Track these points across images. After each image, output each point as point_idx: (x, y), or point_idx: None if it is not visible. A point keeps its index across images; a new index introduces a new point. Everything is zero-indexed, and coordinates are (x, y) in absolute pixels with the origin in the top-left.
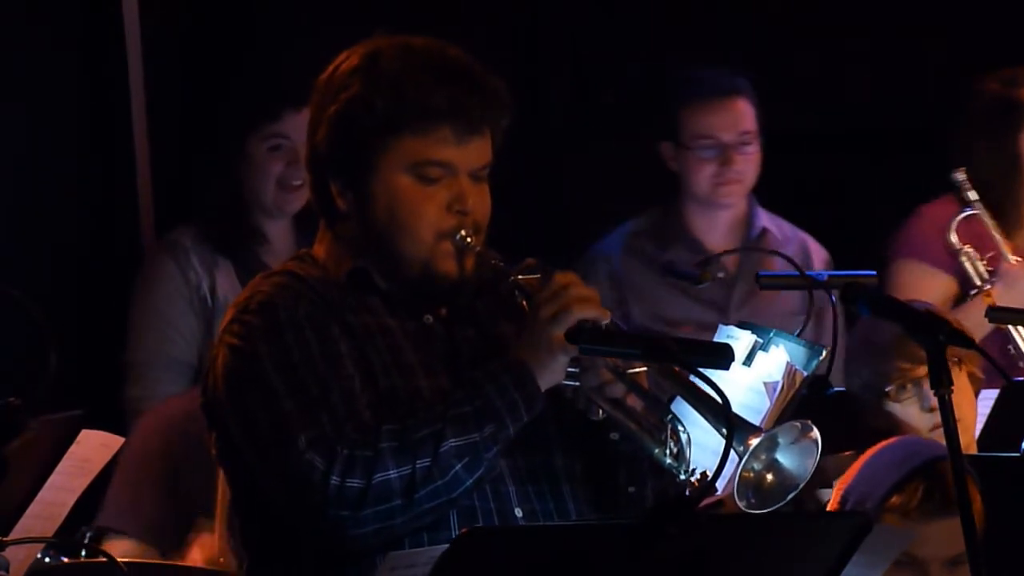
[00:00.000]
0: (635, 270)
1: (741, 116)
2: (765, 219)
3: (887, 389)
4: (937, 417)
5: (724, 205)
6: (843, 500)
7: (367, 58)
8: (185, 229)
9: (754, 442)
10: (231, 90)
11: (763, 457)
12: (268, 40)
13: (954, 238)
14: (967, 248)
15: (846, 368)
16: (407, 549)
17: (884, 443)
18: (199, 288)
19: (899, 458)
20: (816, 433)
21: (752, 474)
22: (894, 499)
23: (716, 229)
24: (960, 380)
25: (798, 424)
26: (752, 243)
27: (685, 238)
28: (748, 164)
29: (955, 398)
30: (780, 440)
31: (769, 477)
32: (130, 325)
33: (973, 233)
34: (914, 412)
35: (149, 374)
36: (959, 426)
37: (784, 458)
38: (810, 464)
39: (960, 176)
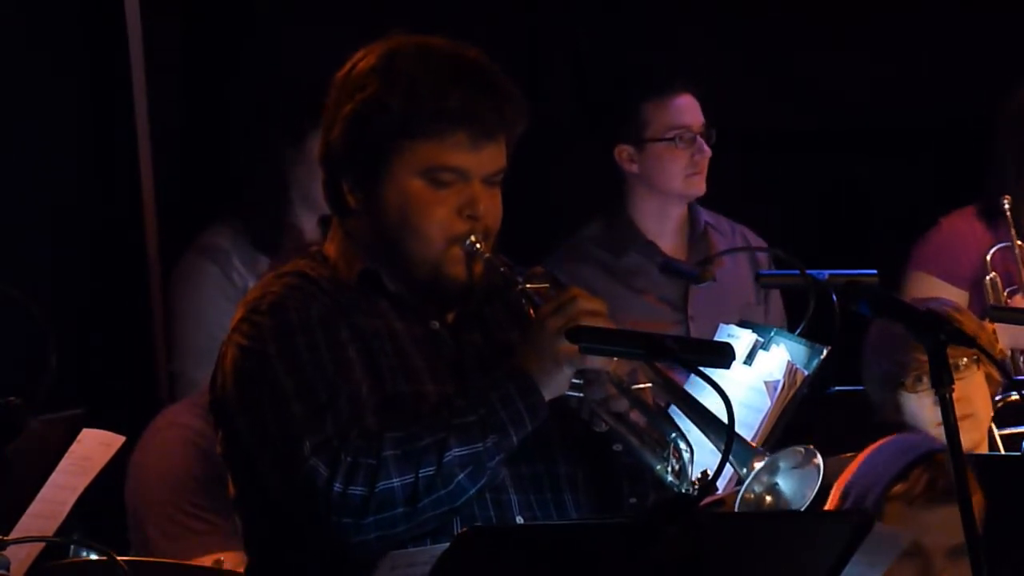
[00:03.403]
0: (583, 277)
1: (699, 109)
2: (705, 215)
3: (903, 380)
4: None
5: (693, 196)
6: (844, 495)
7: (384, 58)
8: (219, 230)
9: (758, 465)
10: (286, 88)
11: (764, 479)
12: (270, 40)
13: (988, 264)
14: (995, 275)
15: (864, 359)
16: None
17: (882, 440)
18: (244, 289)
19: (898, 450)
20: (819, 459)
21: (752, 496)
22: (897, 488)
23: (665, 230)
24: (977, 378)
25: (802, 449)
26: (698, 240)
27: (640, 242)
28: (708, 156)
29: (970, 395)
30: (782, 464)
31: (768, 499)
32: (176, 333)
33: (1002, 261)
34: (928, 403)
35: (201, 378)
36: (972, 422)
37: (784, 483)
38: (809, 492)
39: (1005, 204)
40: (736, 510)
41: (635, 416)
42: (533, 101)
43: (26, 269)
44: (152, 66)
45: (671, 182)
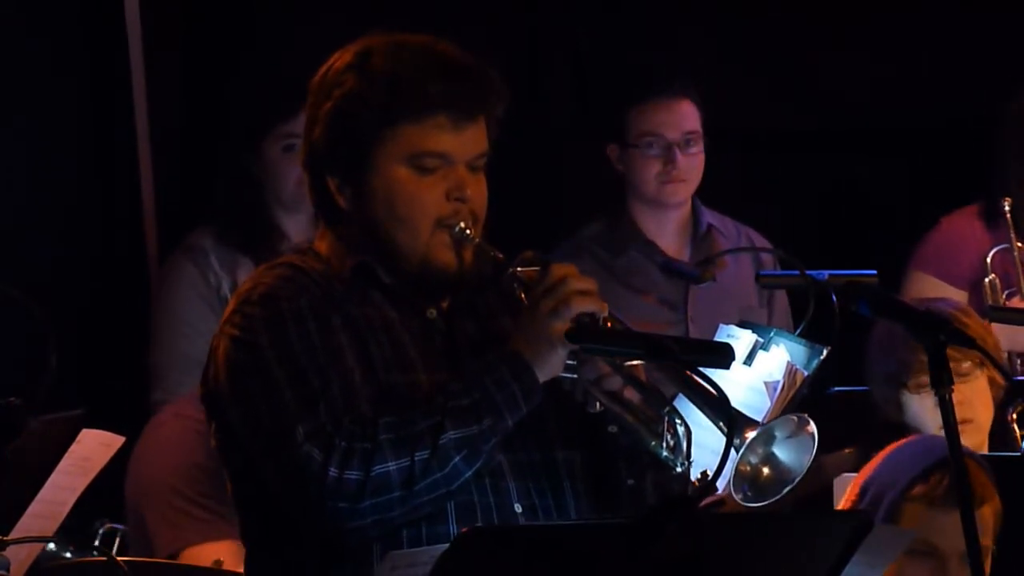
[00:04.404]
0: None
1: (685, 116)
2: (709, 216)
3: (906, 381)
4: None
5: (670, 204)
6: (862, 492)
7: (360, 55)
8: (204, 230)
9: (751, 435)
10: (241, 91)
11: (760, 451)
12: (270, 41)
13: (988, 265)
14: (994, 277)
15: (872, 359)
16: (405, 543)
17: (904, 440)
18: (219, 289)
19: (921, 451)
20: (813, 427)
21: (749, 467)
22: (917, 489)
23: (665, 230)
24: (979, 382)
25: (795, 418)
26: (700, 241)
27: (639, 241)
28: (692, 164)
29: (972, 400)
30: (777, 434)
31: (766, 471)
32: (152, 329)
33: (1002, 263)
34: (930, 405)
35: (171, 376)
36: (972, 427)
37: (781, 452)
38: (806, 459)
39: (1005, 206)
40: (732, 484)
41: (629, 393)
42: (533, 101)
43: (26, 269)
44: (152, 66)
45: (644, 187)
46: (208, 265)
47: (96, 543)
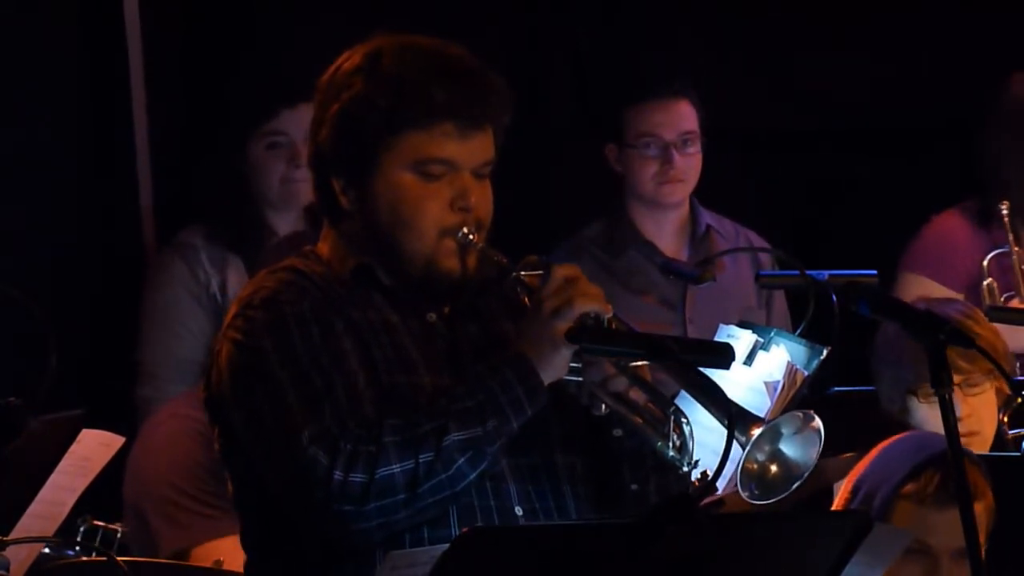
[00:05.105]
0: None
1: (683, 117)
2: (708, 218)
3: (916, 389)
4: (962, 427)
5: (667, 204)
6: (855, 489)
7: (369, 57)
8: (195, 228)
9: (756, 432)
10: (227, 90)
11: (766, 448)
12: (267, 39)
13: (985, 269)
14: (991, 281)
15: (880, 357)
16: (408, 545)
17: (896, 437)
18: (209, 286)
19: (912, 448)
20: (818, 422)
21: (756, 465)
22: (908, 487)
23: (664, 230)
24: (987, 395)
25: (800, 414)
26: (699, 242)
27: (638, 241)
28: (690, 164)
29: (980, 411)
30: (783, 430)
31: (773, 468)
32: (140, 325)
33: (998, 266)
34: (938, 413)
35: (160, 373)
36: (979, 439)
37: (787, 448)
38: (814, 453)
39: (1003, 210)
40: (739, 482)
41: (635, 395)
42: (533, 101)
43: (26, 269)
44: (152, 66)
45: (642, 188)
46: (198, 262)
47: (78, 539)
